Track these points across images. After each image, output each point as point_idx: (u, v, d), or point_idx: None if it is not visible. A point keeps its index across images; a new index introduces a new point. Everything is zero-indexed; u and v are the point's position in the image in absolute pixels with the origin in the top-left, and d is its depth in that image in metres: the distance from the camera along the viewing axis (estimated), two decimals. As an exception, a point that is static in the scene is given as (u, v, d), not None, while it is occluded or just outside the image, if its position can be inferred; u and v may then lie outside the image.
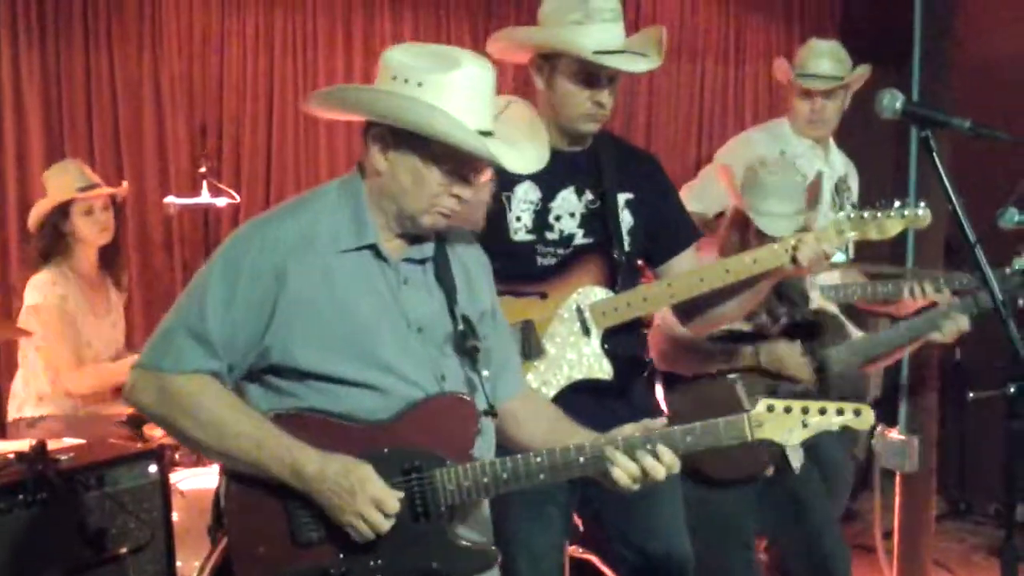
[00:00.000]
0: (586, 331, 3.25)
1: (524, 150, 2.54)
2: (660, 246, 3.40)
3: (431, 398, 2.47)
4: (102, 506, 3.56)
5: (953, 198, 2.55)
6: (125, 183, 5.06)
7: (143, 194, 5.72)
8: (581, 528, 4.41)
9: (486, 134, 2.40)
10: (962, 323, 3.93)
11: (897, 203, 3.28)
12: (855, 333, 3.91)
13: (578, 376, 3.24)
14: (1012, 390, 2.54)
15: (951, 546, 5.99)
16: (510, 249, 3.24)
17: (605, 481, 2.48)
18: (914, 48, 6.96)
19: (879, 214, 3.26)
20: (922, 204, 3.29)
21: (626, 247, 3.30)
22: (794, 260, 3.21)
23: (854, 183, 4.89)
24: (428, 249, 2.56)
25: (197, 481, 4.17)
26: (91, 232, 4.71)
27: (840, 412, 2.47)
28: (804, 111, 4.72)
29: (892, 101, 2.61)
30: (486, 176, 2.60)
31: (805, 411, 2.46)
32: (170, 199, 5.32)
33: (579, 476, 2.49)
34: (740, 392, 3.67)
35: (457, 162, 2.40)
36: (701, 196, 4.36)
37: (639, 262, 3.41)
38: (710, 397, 3.69)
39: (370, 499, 2.35)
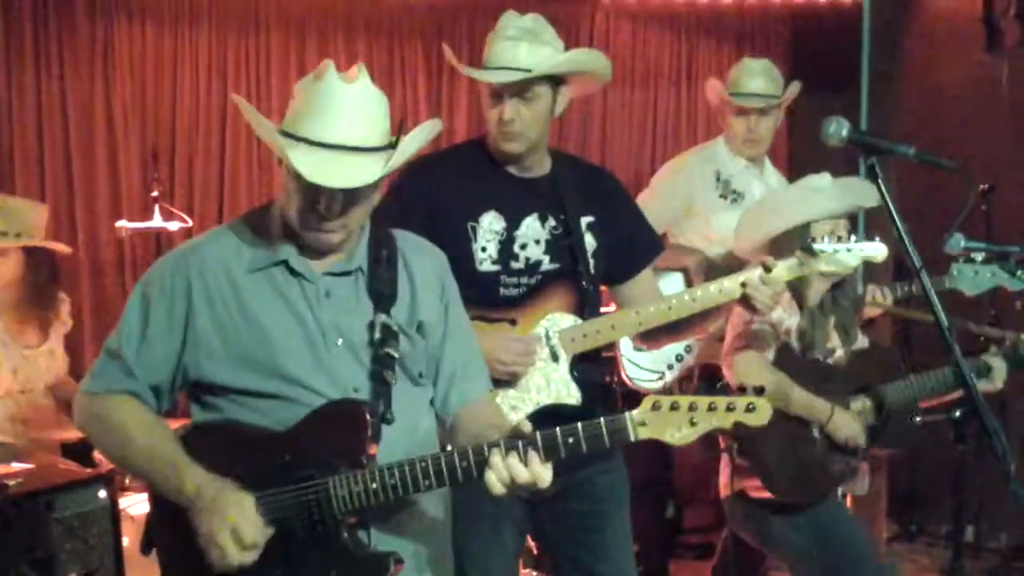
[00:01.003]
0: (555, 357, 3.27)
1: (351, 168, 2.41)
2: (620, 265, 3.43)
3: (326, 405, 2.47)
4: (52, 531, 3.52)
5: (899, 224, 2.58)
6: (27, 238, 4.82)
7: (95, 218, 5.70)
8: (535, 551, 4.43)
9: (351, 148, 2.38)
10: (1002, 374, 3.80)
11: (853, 239, 3.31)
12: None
13: (546, 401, 3.25)
14: (957, 414, 2.57)
15: (903, 567, 6.03)
16: (476, 278, 3.24)
17: (482, 484, 2.37)
18: (862, 72, 7.08)
19: (833, 252, 3.28)
20: (876, 240, 3.32)
21: (591, 270, 3.32)
22: (746, 300, 3.25)
23: None
24: (358, 260, 2.57)
25: (147, 506, 4.12)
26: None
27: (731, 408, 2.28)
28: (739, 130, 4.76)
29: (839, 129, 2.63)
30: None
31: (693, 408, 2.29)
32: (122, 223, 5.30)
33: (463, 480, 2.38)
34: (814, 429, 3.67)
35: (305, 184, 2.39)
36: None
37: (600, 284, 3.43)
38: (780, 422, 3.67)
39: (229, 527, 2.37)
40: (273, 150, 2.42)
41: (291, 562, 2.43)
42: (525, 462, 2.31)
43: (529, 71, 3.16)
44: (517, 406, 3.23)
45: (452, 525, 3.21)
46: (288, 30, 6.09)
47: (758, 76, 4.74)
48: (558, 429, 2.35)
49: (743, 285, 3.25)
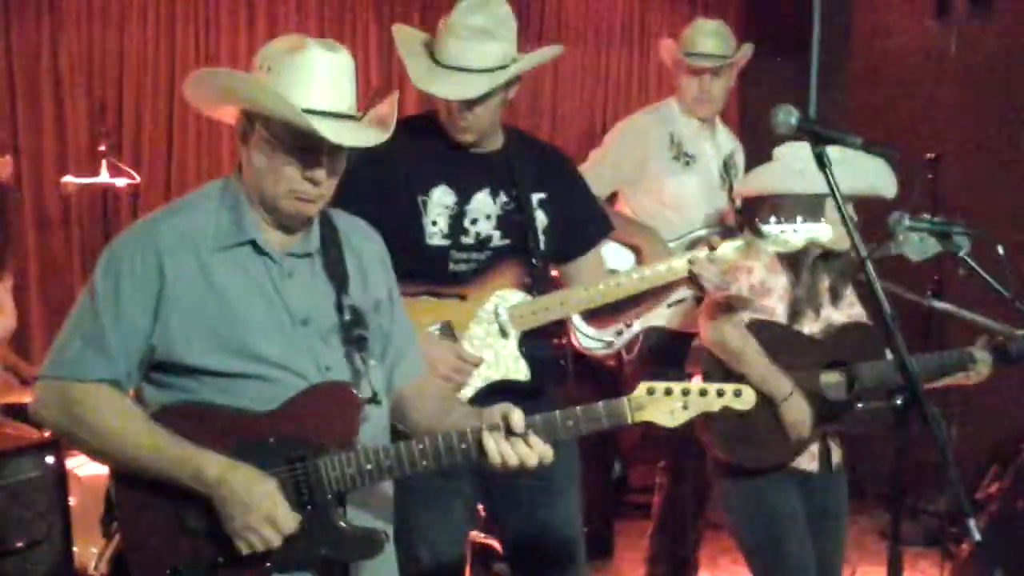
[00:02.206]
0: (504, 333, 3.29)
1: (362, 130, 2.51)
2: (569, 244, 3.45)
3: (313, 387, 2.48)
4: (-3, 498, 3.52)
5: (844, 213, 2.61)
6: (7, 157, 4.90)
7: (41, 173, 5.63)
8: (483, 514, 4.47)
9: (336, 115, 2.42)
10: (986, 366, 3.79)
11: (799, 219, 3.33)
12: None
13: (495, 377, 3.28)
14: (899, 402, 2.62)
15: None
16: (424, 252, 3.26)
17: (484, 464, 2.49)
18: (813, 35, 7.13)
19: (780, 233, 3.31)
20: (822, 221, 3.35)
21: (541, 247, 3.34)
22: (694, 279, 3.29)
23: (740, 159, 4.95)
24: (313, 242, 2.57)
25: (95, 467, 4.12)
26: None
27: (720, 393, 2.48)
28: (692, 90, 4.77)
29: (787, 117, 2.65)
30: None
31: (686, 392, 2.48)
32: (68, 178, 5.24)
33: (462, 461, 2.49)
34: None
35: (301, 141, 2.40)
36: (592, 181, 4.38)
37: (550, 261, 3.44)
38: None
39: (266, 517, 2.37)
40: (298, 123, 2.35)
41: (282, 541, 2.42)
42: (529, 444, 2.44)
43: (486, 71, 3.15)
44: (467, 381, 3.24)
45: (402, 499, 3.26)
46: (238, -13, 6.02)
47: (711, 36, 4.76)
48: (557, 413, 2.48)
49: (690, 263, 3.29)
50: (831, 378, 3.70)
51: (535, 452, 2.44)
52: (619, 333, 4.57)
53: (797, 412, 3.59)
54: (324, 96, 2.41)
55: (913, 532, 5.60)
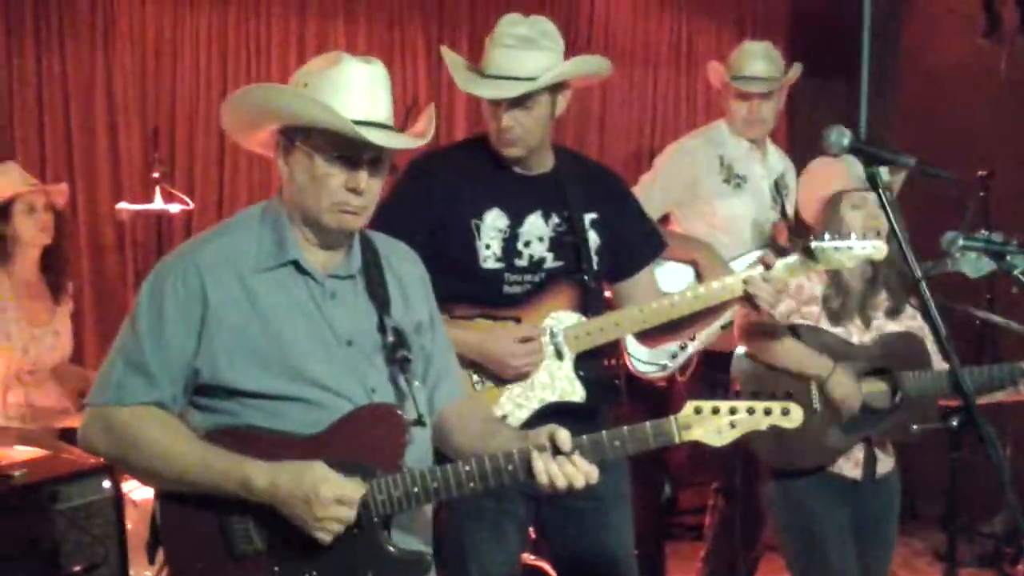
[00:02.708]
0: (559, 355, 3.30)
1: (408, 140, 2.55)
2: (622, 263, 3.46)
3: (359, 409, 2.49)
4: (56, 523, 3.56)
5: (900, 234, 2.61)
6: (64, 185, 4.96)
7: (95, 200, 5.69)
8: (534, 536, 4.47)
9: (376, 125, 2.44)
10: None
11: (853, 236, 3.34)
12: (938, 364, 3.77)
13: (551, 399, 3.29)
14: (955, 423, 2.61)
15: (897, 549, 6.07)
16: (479, 275, 3.28)
17: (532, 485, 2.49)
18: (862, 55, 7.09)
19: (835, 250, 3.31)
20: (878, 240, 3.36)
21: (594, 267, 3.35)
22: (749, 298, 3.29)
23: (791, 179, 4.94)
24: (355, 263, 2.59)
25: (148, 491, 4.16)
26: (31, 231, 4.65)
27: (768, 412, 2.50)
28: (741, 113, 4.78)
29: (840, 138, 2.66)
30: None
31: (733, 411, 2.50)
32: (122, 205, 5.30)
33: (509, 482, 2.49)
34: (814, 390, 3.66)
35: (343, 150, 2.43)
36: (643, 203, 4.38)
37: (603, 281, 3.45)
38: (782, 388, 3.67)
39: (332, 499, 2.37)
40: (341, 128, 2.38)
41: (328, 563, 2.45)
42: (575, 464, 2.43)
43: (530, 79, 3.17)
44: (522, 403, 3.27)
45: (454, 522, 3.27)
46: (288, 10, 6.06)
47: (760, 59, 4.77)
48: (604, 433, 2.49)
49: (745, 283, 3.29)
50: (874, 387, 3.69)
51: (581, 472, 2.43)
52: (673, 356, 4.57)
53: (844, 388, 3.59)
54: (362, 106, 2.44)
55: (968, 553, 5.55)
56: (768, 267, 3.30)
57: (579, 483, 2.43)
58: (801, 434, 3.55)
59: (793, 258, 3.34)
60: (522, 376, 3.25)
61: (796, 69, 4.86)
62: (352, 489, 2.39)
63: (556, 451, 2.44)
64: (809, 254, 3.30)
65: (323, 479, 2.37)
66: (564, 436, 2.45)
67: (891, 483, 3.79)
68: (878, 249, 3.35)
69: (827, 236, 3.33)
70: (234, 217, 2.63)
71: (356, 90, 2.44)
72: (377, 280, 2.61)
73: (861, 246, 3.33)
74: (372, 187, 2.48)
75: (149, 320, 2.45)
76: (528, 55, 3.19)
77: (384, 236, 2.73)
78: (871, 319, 3.71)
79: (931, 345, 3.70)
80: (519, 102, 3.19)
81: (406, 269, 2.72)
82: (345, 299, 2.56)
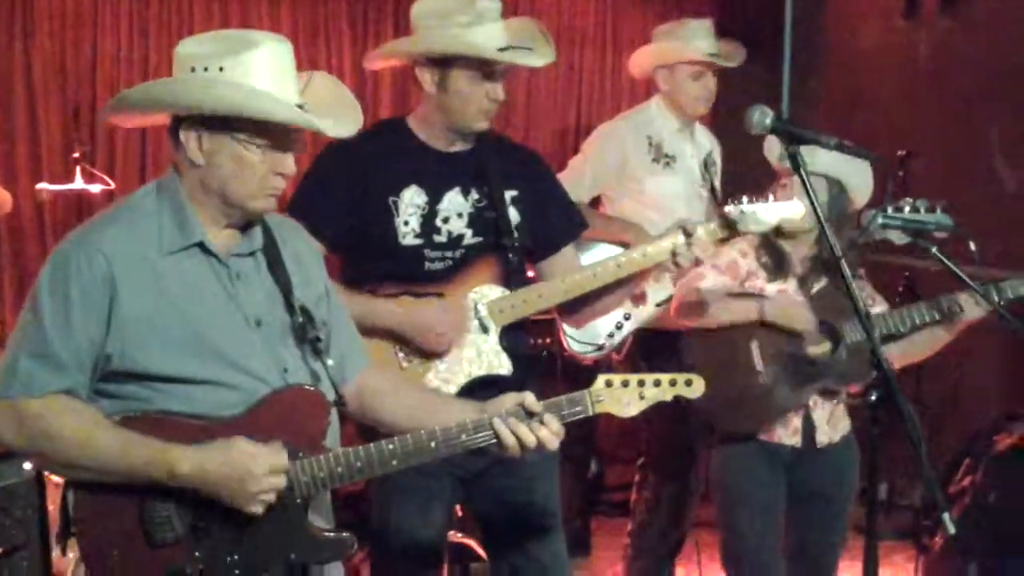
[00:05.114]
0: (484, 328, 3.31)
1: (340, 117, 2.55)
2: (544, 240, 3.47)
3: (279, 391, 2.48)
4: (-25, 507, 3.51)
5: (819, 214, 2.65)
6: None
7: (14, 180, 5.59)
8: (459, 514, 4.49)
9: (301, 107, 2.43)
10: (976, 307, 3.67)
11: (771, 197, 3.38)
12: (878, 309, 3.82)
13: (478, 373, 3.30)
14: (873, 397, 2.65)
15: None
16: (399, 252, 3.28)
17: (494, 451, 2.57)
18: (785, 35, 7.17)
19: (750, 211, 3.34)
20: (794, 199, 3.40)
21: (515, 243, 3.36)
22: (675, 263, 3.33)
23: (718, 156, 4.99)
24: (257, 240, 2.56)
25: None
26: None
27: (673, 383, 2.64)
28: (693, 91, 4.77)
29: (762, 117, 2.69)
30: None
31: (641, 383, 2.63)
32: (42, 185, 5.23)
33: (436, 458, 2.55)
34: (755, 351, 3.70)
35: (273, 138, 2.41)
36: (573, 187, 4.41)
37: (526, 259, 3.46)
38: (726, 354, 3.73)
39: (266, 471, 2.36)
40: (293, 121, 2.37)
41: (250, 546, 2.43)
42: (545, 424, 2.57)
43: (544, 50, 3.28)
44: (449, 379, 3.28)
45: (380, 500, 3.27)
46: (211, -10, 6.02)
47: (711, 36, 4.83)
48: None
49: (672, 251, 3.32)
50: (818, 348, 3.73)
51: (553, 432, 2.56)
52: (610, 336, 4.59)
53: (781, 307, 3.67)
54: (290, 89, 2.42)
55: (886, 526, 5.64)
56: (689, 234, 3.33)
57: (553, 444, 2.56)
58: (748, 395, 3.66)
59: (713, 223, 3.38)
60: (447, 347, 3.26)
61: (740, 50, 4.91)
62: (278, 456, 2.39)
63: (529, 414, 2.56)
64: (728, 218, 3.34)
65: (251, 455, 2.36)
66: (532, 399, 2.56)
67: (836, 455, 3.82)
68: (795, 208, 3.39)
69: (744, 200, 3.37)
70: (124, 201, 2.55)
71: (279, 74, 2.40)
72: (275, 257, 2.58)
73: (778, 206, 3.37)
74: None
75: (53, 307, 2.38)
76: (522, 23, 3.29)
77: (271, 213, 2.64)
78: (812, 287, 3.75)
79: (868, 292, 3.78)
80: (505, 73, 3.26)
81: (300, 244, 2.70)
82: (250, 279, 2.53)
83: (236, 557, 2.44)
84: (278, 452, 2.40)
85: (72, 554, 3.74)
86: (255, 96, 2.36)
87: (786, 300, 3.70)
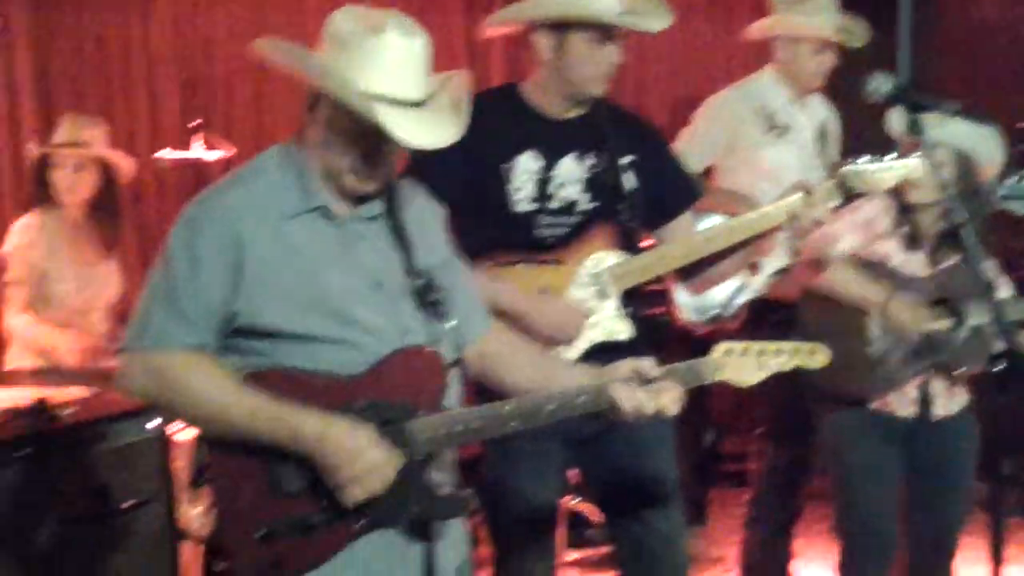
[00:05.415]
0: (603, 295, 3.30)
1: (438, 126, 2.48)
2: (660, 208, 3.44)
3: (399, 352, 2.50)
4: (104, 461, 3.58)
5: (942, 180, 2.61)
6: (105, 151, 4.95)
7: (134, 149, 5.68)
8: (574, 481, 4.50)
9: (407, 103, 2.42)
10: None
11: (891, 155, 3.31)
12: (1004, 293, 3.77)
13: (599, 338, 3.30)
14: (998, 368, 2.60)
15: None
16: (510, 220, 3.29)
17: (612, 416, 2.54)
18: (902, 5, 7.03)
19: (867, 170, 3.29)
20: (916, 155, 3.31)
21: (632, 207, 3.34)
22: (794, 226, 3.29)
23: (834, 127, 4.94)
24: (376, 207, 2.57)
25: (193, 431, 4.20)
26: (60, 188, 4.75)
27: (795, 352, 2.61)
28: (811, 66, 4.74)
29: (883, 84, 2.64)
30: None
31: (762, 352, 2.60)
32: (161, 153, 5.33)
33: (556, 420, 2.53)
34: (872, 322, 3.68)
35: (366, 128, 2.39)
36: (685, 156, 4.37)
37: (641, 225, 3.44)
38: (841, 317, 3.71)
39: (369, 466, 2.40)
40: (361, 113, 2.34)
41: (374, 502, 2.45)
42: (665, 389, 2.53)
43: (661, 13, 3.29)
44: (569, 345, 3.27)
45: (494, 464, 3.29)
46: (326, -42, 6.05)
47: (833, 9, 4.76)
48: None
49: (791, 211, 3.28)
50: (937, 318, 3.67)
51: (670, 397, 2.51)
52: (724, 305, 4.56)
53: (904, 312, 3.63)
54: (396, 84, 2.40)
55: (1013, 502, 5.49)
56: (809, 193, 3.28)
57: (672, 411, 2.52)
58: (859, 361, 3.61)
59: (831, 181, 3.32)
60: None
61: (865, 28, 4.83)
62: (390, 466, 2.42)
63: (645, 380, 2.52)
64: (845, 177, 3.28)
65: (369, 444, 2.40)
66: (651, 364, 2.54)
67: (954, 428, 3.77)
68: (914, 167, 3.31)
69: (861, 159, 3.31)
70: (249, 165, 2.59)
71: (392, 66, 2.39)
72: (397, 221, 2.60)
73: (896, 164, 3.31)
74: (393, 157, 2.51)
75: (183, 266, 2.43)
76: None
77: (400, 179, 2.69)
78: (937, 257, 3.70)
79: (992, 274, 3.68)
80: (624, 36, 3.26)
81: (421, 205, 2.71)
82: (371, 242, 2.56)
83: (360, 508, 2.47)
84: (392, 464, 2.42)
85: (197, 508, 3.85)
86: (344, 85, 2.35)
87: (909, 306, 3.63)
